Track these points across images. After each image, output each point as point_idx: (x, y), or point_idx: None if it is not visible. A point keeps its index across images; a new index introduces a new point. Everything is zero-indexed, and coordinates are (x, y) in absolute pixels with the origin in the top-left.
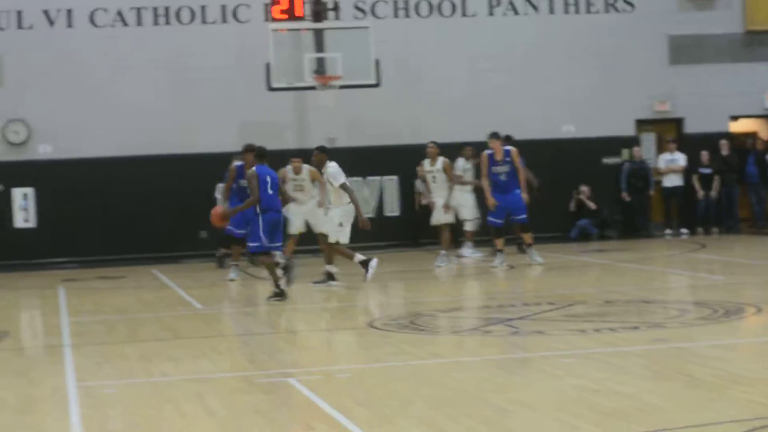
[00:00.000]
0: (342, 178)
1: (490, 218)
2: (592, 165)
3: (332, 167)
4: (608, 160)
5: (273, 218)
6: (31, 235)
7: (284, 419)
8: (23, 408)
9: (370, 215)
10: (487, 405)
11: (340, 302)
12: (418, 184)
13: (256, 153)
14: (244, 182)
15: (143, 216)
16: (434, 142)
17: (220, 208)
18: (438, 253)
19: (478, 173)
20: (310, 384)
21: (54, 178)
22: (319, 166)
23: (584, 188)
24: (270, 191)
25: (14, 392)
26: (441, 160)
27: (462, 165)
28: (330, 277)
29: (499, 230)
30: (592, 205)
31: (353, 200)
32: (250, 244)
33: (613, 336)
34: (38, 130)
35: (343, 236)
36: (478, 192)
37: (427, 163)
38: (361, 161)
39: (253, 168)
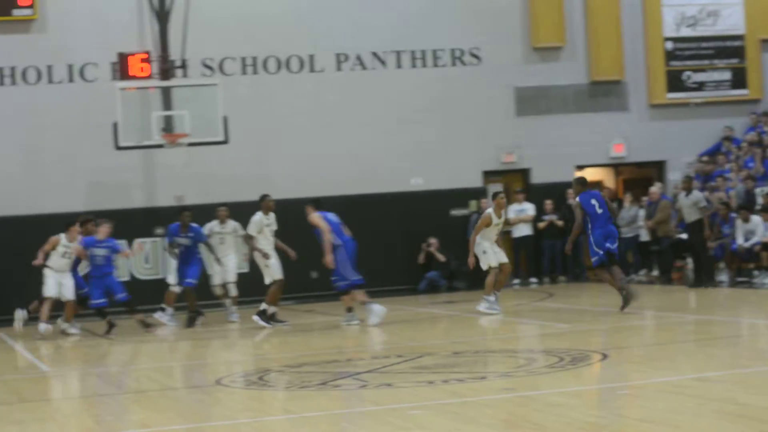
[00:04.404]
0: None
1: None
2: (441, 217)
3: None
4: (456, 212)
5: None
6: None
7: None
8: None
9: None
10: None
11: (188, 360)
12: None
13: None
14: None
15: None
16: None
17: None
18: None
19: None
20: None
21: None
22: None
23: (433, 240)
24: None
25: None
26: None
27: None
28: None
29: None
30: (440, 257)
31: None
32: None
33: (461, 386)
34: None
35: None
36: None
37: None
38: (210, 219)
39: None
